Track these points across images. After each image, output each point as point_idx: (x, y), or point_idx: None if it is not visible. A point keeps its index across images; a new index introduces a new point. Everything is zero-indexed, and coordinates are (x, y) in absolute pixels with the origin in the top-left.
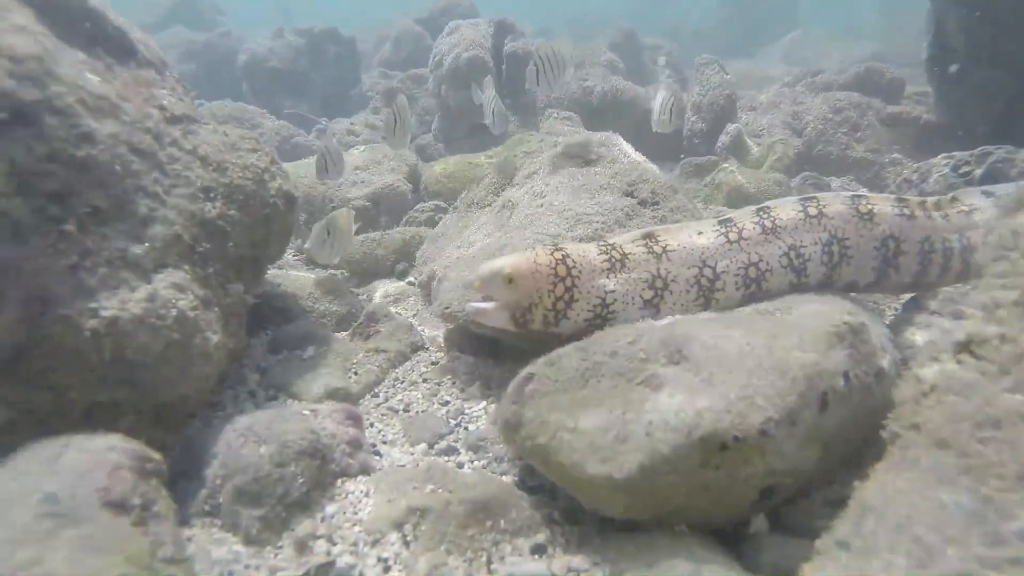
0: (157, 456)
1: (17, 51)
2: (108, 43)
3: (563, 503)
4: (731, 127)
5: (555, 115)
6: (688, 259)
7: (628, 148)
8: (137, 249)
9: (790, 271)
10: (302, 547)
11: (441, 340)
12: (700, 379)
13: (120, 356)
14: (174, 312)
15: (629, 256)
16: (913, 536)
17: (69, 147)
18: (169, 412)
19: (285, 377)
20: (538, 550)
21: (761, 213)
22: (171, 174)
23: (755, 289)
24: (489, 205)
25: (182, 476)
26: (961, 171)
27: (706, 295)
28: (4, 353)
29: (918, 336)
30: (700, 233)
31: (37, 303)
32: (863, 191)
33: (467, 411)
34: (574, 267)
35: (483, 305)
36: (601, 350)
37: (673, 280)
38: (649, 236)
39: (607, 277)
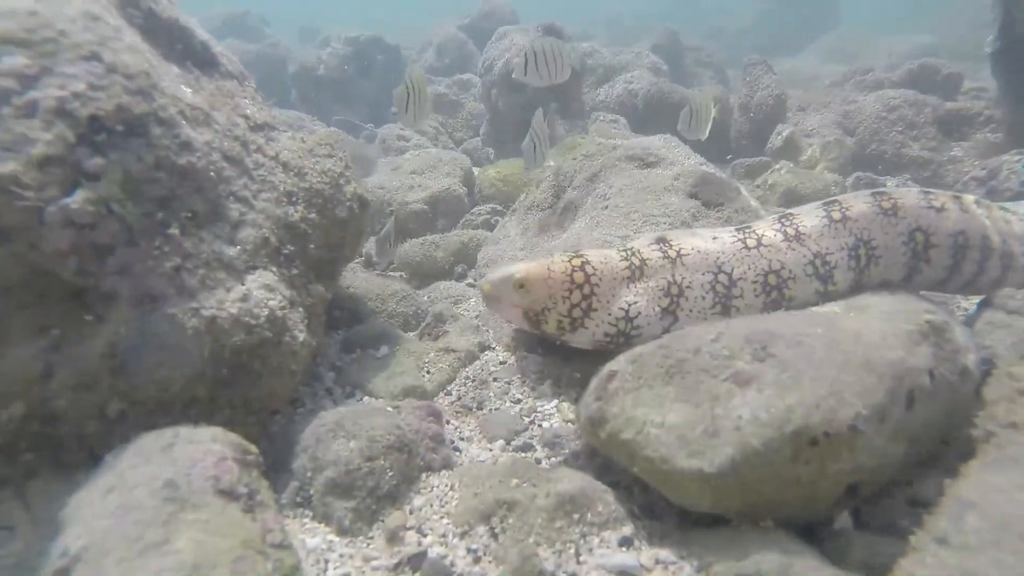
0: (254, 448)
1: (130, 68)
2: (195, 56)
3: (640, 499)
4: (783, 127)
5: (602, 118)
6: (702, 265)
7: (687, 150)
8: (230, 251)
9: (815, 279)
10: (393, 537)
11: (508, 340)
12: (788, 375)
13: (218, 353)
14: (266, 311)
15: (647, 262)
16: (1020, 533)
17: (172, 155)
18: (259, 407)
19: (360, 375)
20: (625, 543)
21: (783, 220)
22: (257, 179)
23: (776, 296)
24: (550, 207)
25: (270, 469)
26: None
27: (723, 302)
28: (120, 349)
29: (997, 335)
30: (715, 238)
31: (148, 302)
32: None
33: (539, 409)
34: (593, 274)
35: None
36: (683, 347)
37: (688, 286)
38: (662, 240)
39: (629, 286)
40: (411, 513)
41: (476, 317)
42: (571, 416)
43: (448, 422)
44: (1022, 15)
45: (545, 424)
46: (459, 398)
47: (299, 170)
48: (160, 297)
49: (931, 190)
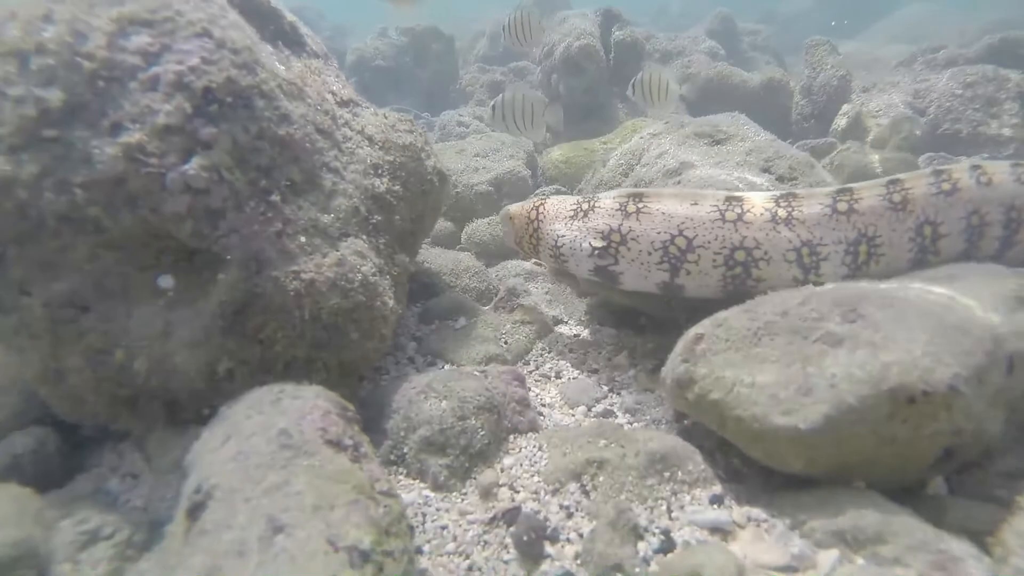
0: (352, 407)
1: (236, 43)
2: (285, 37)
3: (724, 463)
4: (848, 108)
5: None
6: (662, 224)
7: (756, 126)
8: (325, 219)
9: (796, 266)
10: (487, 493)
11: (581, 314)
12: (881, 336)
13: (316, 315)
14: (359, 276)
15: (596, 208)
16: None
17: (273, 126)
18: (351, 369)
19: (441, 345)
20: (716, 500)
21: (782, 201)
22: (346, 152)
23: (741, 272)
24: (619, 185)
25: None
26: None
27: (672, 262)
28: (229, 309)
29: None
30: (695, 204)
31: (254, 264)
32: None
33: (617, 379)
34: (541, 214)
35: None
36: (770, 310)
37: (634, 239)
38: (635, 195)
39: (564, 223)
40: (502, 471)
41: (546, 293)
42: (649, 385)
43: (529, 389)
44: None
45: (624, 392)
46: (537, 367)
47: (383, 144)
48: (265, 260)
49: (943, 168)
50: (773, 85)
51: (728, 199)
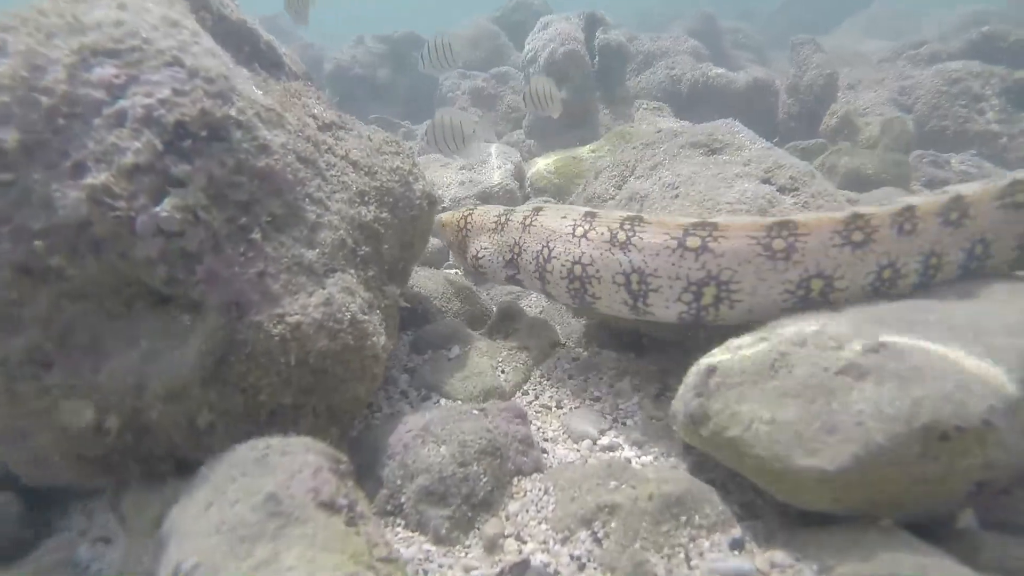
0: (345, 457)
1: (211, 72)
2: (262, 58)
3: (738, 497)
4: (838, 107)
5: (645, 105)
6: (539, 236)
7: (752, 134)
8: (310, 254)
9: (624, 291)
10: (492, 546)
11: (579, 336)
12: (908, 367)
13: (303, 359)
14: (348, 315)
15: (509, 222)
16: None
17: (251, 158)
18: (341, 413)
19: (435, 377)
20: (736, 545)
21: (628, 224)
22: (330, 180)
23: (579, 287)
24: (612, 198)
25: (356, 477)
26: None
27: (540, 272)
28: (209, 359)
29: None
30: (563, 218)
31: (235, 309)
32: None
33: (621, 407)
34: (469, 224)
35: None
36: (786, 339)
37: (525, 249)
38: (536, 210)
39: (487, 236)
40: (507, 520)
41: (540, 312)
42: (654, 413)
43: (531, 422)
44: None
45: (629, 422)
46: (536, 397)
47: (369, 169)
48: (247, 304)
49: (861, 212)
50: (759, 85)
51: (586, 215)
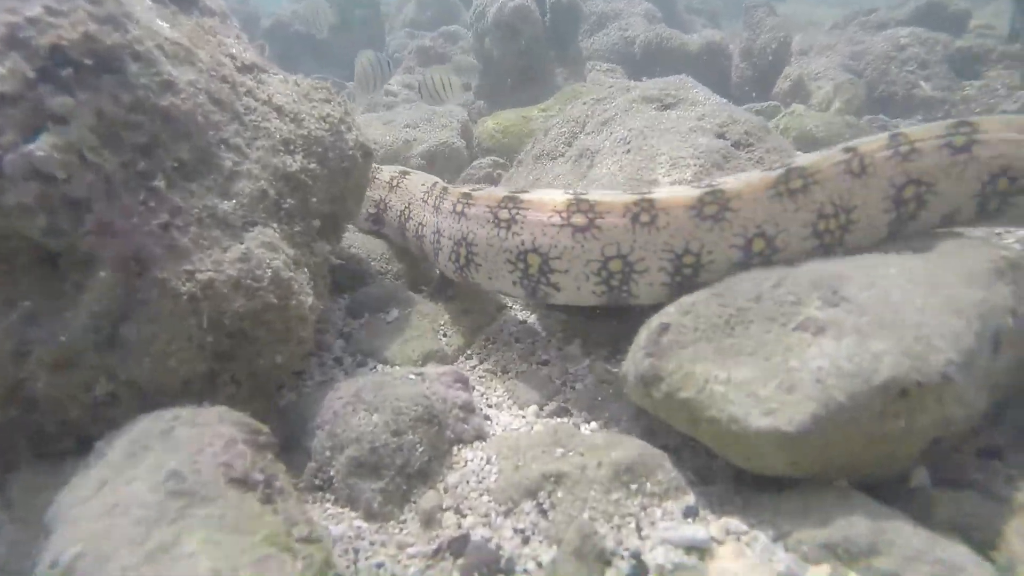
0: (265, 428)
1: None
2: None
3: (691, 462)
4: (791, 71)
5: (598, 67)
6: (402, 196)
7: (707, 90)
8: (225, 206)
9: (443, 254)
10: (429, 520)
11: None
12: (867, 320)
13: (218, 321)
14: (269, 273)
15: (376, 178)
16: None
17: (152, 96)
18: (265, 381)
19: (372, 342)
20: (690, 513)
21: (507, 202)
22: (250, 125)
23: (424, 242)
24: (561, 155)
25: (282, 449)
26: None
27: (401, 225)
28: (105, 320)
29: None
30: (422, 185)
31: (134, 264)
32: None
33: (570, 371)
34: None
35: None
36: (742, 295)
37: (389, 207)
38: (401, 172)
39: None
40: (446, 492)
41: None
42: (605, 377)
43: (474, 388)
44: None
45: (579, 386)
46: (481, 362)
47: (295, 116)
48: (148, 259)
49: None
50: (713, 48)
51: (435, 184)
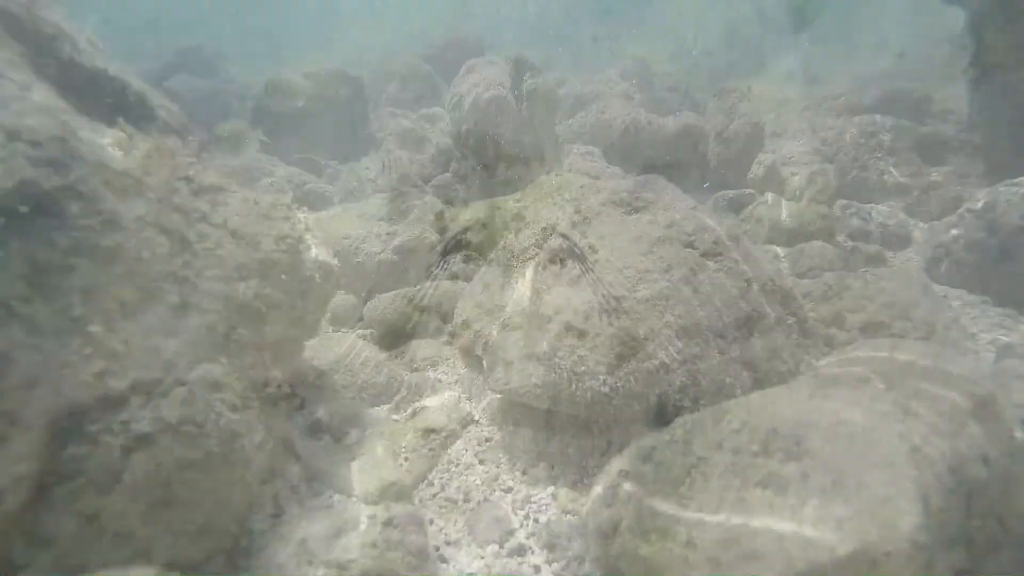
0: None
1: (37, 134)
2: (129, 111)
3: None
4: (764, 157)
5: (576, 150)
6: None
7: (677, 191)
8: (170, 344)
9: None
10: None
11: (493, 411)
12: (830, 479)
13: (155, 474)
14: (212, 416)
15: None
16: None
17: (94, 236)
18: (208, 529)
19: (329, 468)
20: None
21: None
22: (201, 254)
23: None
24: (533, 258)
25: None
26: None
27: None
28: (30, 481)
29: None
30: None
31: (64, 419)
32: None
33: (534, 499)
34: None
35: None
36: (703, 442)
37: None
38: None
39: None
40: None
41: (456, 382)
42: (569, 506)
43: (432, 522)
44: (994, 41)
45: (542, 518)
46: (442, 488)
47: (252, 238)
48: (79, 412)
49: None
50: (690, 131)
51: None
